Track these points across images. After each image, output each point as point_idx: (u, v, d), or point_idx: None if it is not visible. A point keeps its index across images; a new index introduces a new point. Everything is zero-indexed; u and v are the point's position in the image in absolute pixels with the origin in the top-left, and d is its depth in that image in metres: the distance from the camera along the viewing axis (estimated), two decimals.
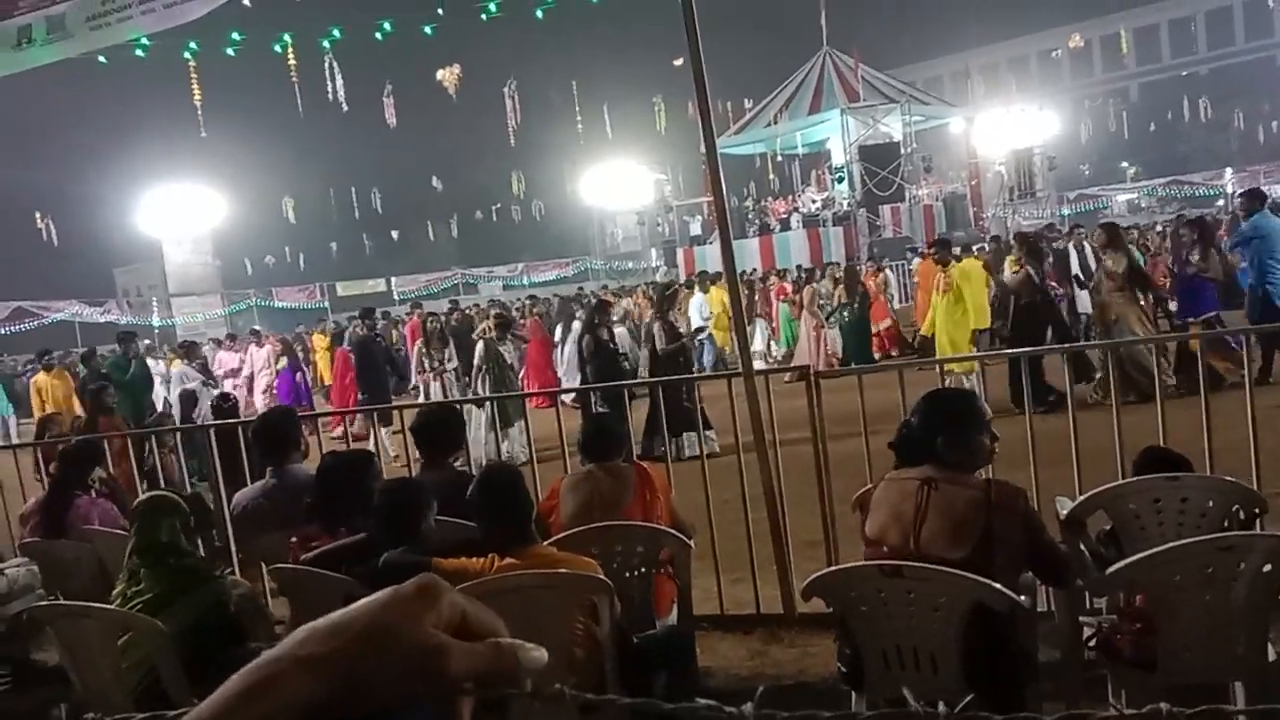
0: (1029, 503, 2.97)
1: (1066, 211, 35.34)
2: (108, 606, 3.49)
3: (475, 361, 10.27)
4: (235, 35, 9.17)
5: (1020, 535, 2.83)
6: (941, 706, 0.60)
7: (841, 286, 13.66)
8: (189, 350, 13.11)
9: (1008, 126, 28.56)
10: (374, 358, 11.09)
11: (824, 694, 3.75)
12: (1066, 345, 8.43)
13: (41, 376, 13.48)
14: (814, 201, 27.96)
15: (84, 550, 4.65)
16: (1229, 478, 3.54)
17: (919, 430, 2.98)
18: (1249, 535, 3.11)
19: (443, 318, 14.90)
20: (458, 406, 6.02)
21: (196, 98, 17.49)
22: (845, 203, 27.08)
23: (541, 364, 12.79)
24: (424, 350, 11.11)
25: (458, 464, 4.57)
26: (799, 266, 20.31)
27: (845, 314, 13.22)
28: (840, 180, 27.39)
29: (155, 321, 36.93)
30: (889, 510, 2.95)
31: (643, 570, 3.73)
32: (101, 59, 6.62)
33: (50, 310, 35.32)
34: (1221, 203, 34.70)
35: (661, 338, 9.50)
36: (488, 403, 8.05)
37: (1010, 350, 8.49)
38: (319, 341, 20.31)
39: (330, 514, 3.69)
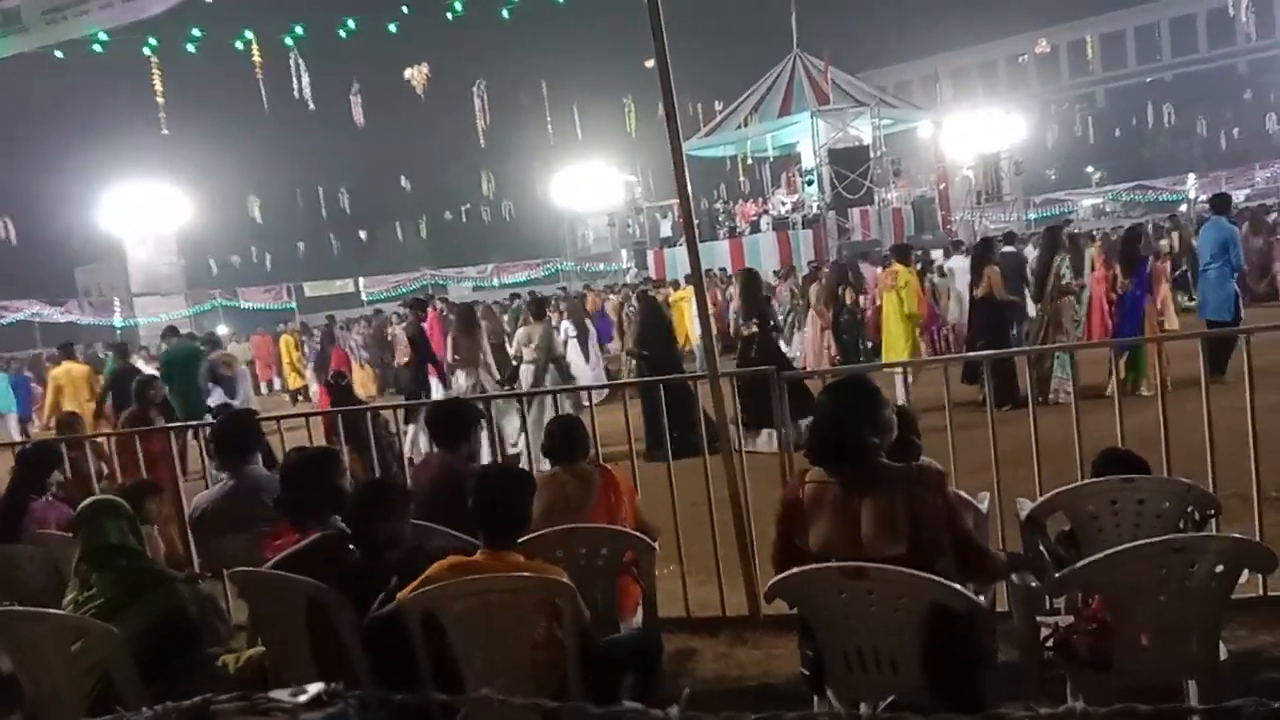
0: (947, 484, 2.98)
1: (1033, 215, 35.75)
2: (61, 612, 3.43)
3: (536, 352, 10.06)
4: (196, 32, 9.03)
5: (943, 515, 2.85)
6: (863, 707, 0.60)
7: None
8: (213, 343, 12.71)
9: (976, 131, 28.85)
10: (427, 349, 11.06)
11: (789, 696, 3.76)
12: (1021, 349, 8.60)
13: (62, 369, 13.02)
14: (784, 204, 28.06)
15: (38, 554, 4.58)
16: (1184, 479, 3.59)
17: (836, 426, 2.94)
18: (1202, 536, 3.15)
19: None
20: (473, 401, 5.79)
21: (158, 94, 17.25)
22: (815, 205, 27.19)
23: None
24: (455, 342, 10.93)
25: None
26: (810, 263, 20.06)
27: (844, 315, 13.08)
28: (810, 183, 27.50)
29: (117, 322, 36.35)
30: (828, 522, 2.93)
31: (607, 573, 3.72)
32: (58, 53, 6.49)
33: (9, 310, 34.68)
34: (1184, 208, 35.26)
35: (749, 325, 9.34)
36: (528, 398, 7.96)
37: (983, 352, 8.61)
38: (287, 342, 20.06)
39: (297, 511, 3.65)
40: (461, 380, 10.13)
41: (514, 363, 10.44)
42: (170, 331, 13.06)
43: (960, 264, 12.43)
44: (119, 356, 12.43)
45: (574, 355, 12.57)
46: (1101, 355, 8.58)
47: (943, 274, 14.42)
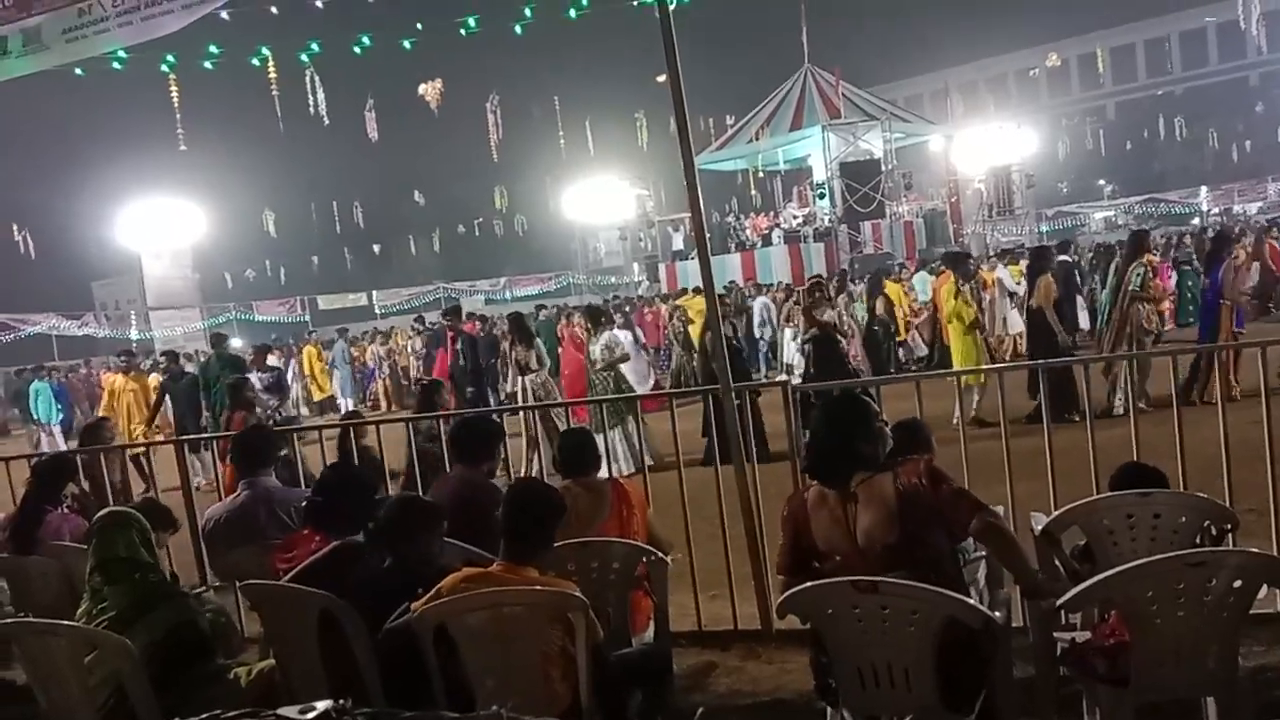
0: (930, 465, 3.09)
1: (1044, 228, 35.69)
2: (75, 624, 3.44)
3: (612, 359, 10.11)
4: (213, 48, 9.10)
5: (927, 488, 2.96)
6: None
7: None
8: (260, 356, 12.76)
9: (987, 144, 28.79)
10: (478, 357, 11.32)
11: (802, 711, 3.74)
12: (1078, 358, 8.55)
13: (119, 378, 13.09)
14: (795, 217, 28.08)
15: (53, 567, 4.59)
16: (1201, 494, 3.56)
17: (833, 441, 3.10)
18: (1220, 551, 3.12)
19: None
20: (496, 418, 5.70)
21: (176, 111, 17.41)
22: (826, 219, 27.21)
23: (576, 372, 12.59)
24: (509, 352, 11.00)
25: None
26: (842, 274, 19.90)
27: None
28: (821, 196, 27.53)
29: (134, 335, 36.61)
30: (827, 525, 3.08)
31: (619, 586, 3.71)
32: (79, 71, 6.56)
33: (27, 323, 34.98)
34: (1196, 220, 35.14)
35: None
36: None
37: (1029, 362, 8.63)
38: (310, 353, 20.14)
39: (327, 526, 3.61)
40: (528, 386, 10.16)
41: (595, 372, 10.39)
42: (220, 339, 13.24)
43: (1004, 274, 12.36)
44: (172, 363, 12.82)
45: (636, 364, 12.62)
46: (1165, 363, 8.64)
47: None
